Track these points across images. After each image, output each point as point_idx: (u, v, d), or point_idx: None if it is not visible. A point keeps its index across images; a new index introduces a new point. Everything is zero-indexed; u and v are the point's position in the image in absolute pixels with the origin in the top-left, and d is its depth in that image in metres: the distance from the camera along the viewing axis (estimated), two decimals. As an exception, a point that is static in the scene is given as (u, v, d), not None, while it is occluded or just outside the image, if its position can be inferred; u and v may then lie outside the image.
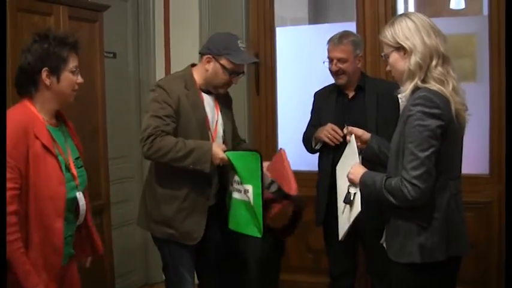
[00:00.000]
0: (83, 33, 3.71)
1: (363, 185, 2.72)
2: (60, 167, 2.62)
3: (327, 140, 3.70)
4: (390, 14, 4.49)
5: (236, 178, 3.36)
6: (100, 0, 4.14)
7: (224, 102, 3.63)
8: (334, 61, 3.75)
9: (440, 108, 2.52)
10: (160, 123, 3.26)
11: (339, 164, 3.18)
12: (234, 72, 3.40)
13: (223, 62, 3.35)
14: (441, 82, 2.59)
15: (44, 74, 2.58)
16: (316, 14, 7.41)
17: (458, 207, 2.71)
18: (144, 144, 3.25)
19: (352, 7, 4.68)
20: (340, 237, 2.97)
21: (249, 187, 3.27)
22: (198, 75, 3.46)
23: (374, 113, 3.73)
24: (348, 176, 2.82)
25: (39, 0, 3.50)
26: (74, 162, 2.75)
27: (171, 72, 5.00)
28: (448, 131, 2.55)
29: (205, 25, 4.89)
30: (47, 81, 2.59)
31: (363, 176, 2.72)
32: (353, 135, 3.09)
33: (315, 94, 4.08)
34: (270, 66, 4.82)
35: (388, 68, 2.79)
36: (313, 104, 4.07)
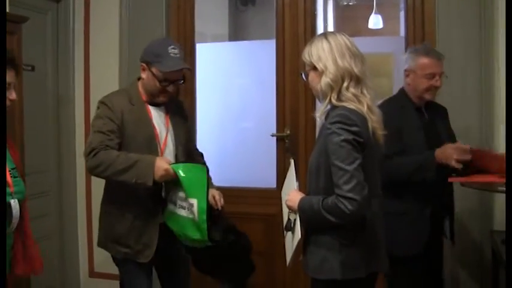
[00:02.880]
0: (0, 45, 3.63)
1: (301, 210, 2.68)
2: None
3: (455, 165, 3.33)
4: (310, 33, 4.55)
5: (180, 194, 3.28)
6: (19, 11, 4.07)
7: (177, 113, 3.54)
8: (438, 76, 3.52)
9: (358, 125, 2.56)
10: (104, 138, 3.22)
11: (282, 189, 3.15)
12: (166, 81, 3.31)
13: (154, 70, 3.30)
14: (357, 101, 2.63)
15: None
16: (237, 31, 7.48)
17: (379, 224, 2.77)
18: (87, 160, 3.23)
19: (272, 25, 4.72)
20: (287, 263, 2.92)
21: (194, 201, 3.19)
22: (141, 86, 3.41)
23: (445, 131, 3.66)
24: (286, 203, 2.80)
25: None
26: (10, 171, 2.73)
27: (90, 87, 4.97)
28: (366, 149, 2.59)
29: (125, 40, 4.84)
30: None
31: (300, 202, 2.69)
32: (292, 161, 3.07)
33: (382, 114, 3.46)
34: (190, 81, 4.80)
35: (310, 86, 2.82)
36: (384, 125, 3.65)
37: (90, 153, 3.21)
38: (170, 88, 3.36)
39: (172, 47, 3.33)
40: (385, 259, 2.81)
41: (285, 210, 2.86)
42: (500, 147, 3.90)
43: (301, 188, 2.87)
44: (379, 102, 3.36)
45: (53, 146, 4.94)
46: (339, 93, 2.65)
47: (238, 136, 4.91)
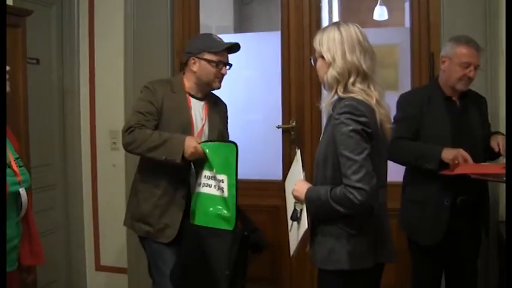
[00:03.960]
0: (5, 39, 3.63)
1: (309, 200, 2.67)
2: None
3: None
4: (315, 24, 4.54)
5: (206, 173, 3.42)
6: (23, 5, 4.06)
7: (215, 109, 3.73)
8: (472, 67, 3.51)
9: (367, 116, 2.56)
10: (141, 118, 3.44)
11: (286, 179, 3.17)
12: (221, 63, 3.58)
13: (207, 56, 3.55)
14: (365, 94, 2.62)
15: None
16: (242, 23, 7.46)
17: (385, 215, 2.77)
18: (123, 136, 3.42)
19: (277, 16, 4.70)
20: (291, 254, 2.92)
21: (224, 177, 3.36)
22: (187, 80, 3.63)
23: (479, 122, 3.65)
24: (292, 193, 2.79)
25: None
26: (15, 160, 2.78)
27: (95, 80, 4.97)
28: (374, 140, 2.59)
29: (130, 33, 4.83)
30: None
31: (307, 192, 2.68)
32: (299, 151, 3.08)
33: (404, 99, 3.69)
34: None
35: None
36: (402, 110, 3.63)
37: (126, 130, 3.42)
38: (224, 71, 3.59)
39: (213, 35, 3.65)
40: (391, 250, 2.81)
41: (291, 200, 2.85)
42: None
43: (306, 179, 2.87)
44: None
45: (58, 139, 4.94)
46: (345, 86, 2.64)
47: (244, 128, 4.89)
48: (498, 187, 4.05)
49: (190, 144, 3.35)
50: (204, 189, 3.44)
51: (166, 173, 3.50)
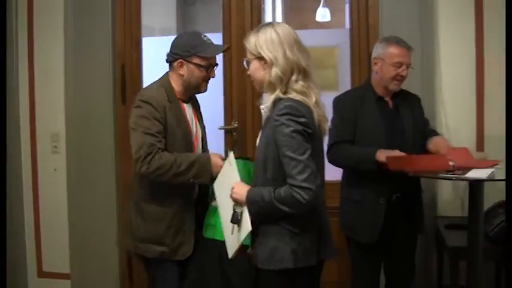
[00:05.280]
0: None
1: (251, 202, 2.66)
2: None
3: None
4: (257, 25, 4.40)
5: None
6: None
7: (198, 109, 3.60)
8: (405, 66, 3.57)
9: (306, 117, 2.59)
10: (154, 140, 3.19)
11: (216, 182, 3.15)
12: (210, 66, 3.36)
13: (196, 60, 3.30)
14: (304, 94, 2.65)
15: None
16: (185, 25, 7.45)
17: (325, 212, 2.82)
18: (142, 165, 3.17)
19: (219, 18, 4.70)
20: (230, 256, 2.90)
21: None
22: (175, 84, 3.39)
23: (412, 120, 3.69)
24: (232, 196, 2.77)
25: None
26: None
27: (35, 82, 4.89)
28: (313, 140, 2.62)
29: (70, 35, 4.75)
30: None
31: (248, 194, 2.68)
32: (231, 152, 3.04)
33: (339, 101, 3.74)
34: (136, 75, 4.78)
35: (248, 73, 2.82)
36: (338, 114, 3.68)
37: (145, 158, 3.16)
38: (212, 74, 3.40)
39: (203, 35, 3.39)
40: (332, 246, 2.84)
41: (228, 204, 2.83)
42: (441, 132, 4.07)
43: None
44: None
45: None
46: (287, 85, 2.66)
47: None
48: (435, 183, 4.20)
49: (217, 163, 3.21)
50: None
51: (179, 193, 3.34)
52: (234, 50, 4.56)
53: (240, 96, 4.61)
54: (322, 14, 8.42)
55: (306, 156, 2.53)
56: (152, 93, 3.34)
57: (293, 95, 2.64)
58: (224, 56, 4.61)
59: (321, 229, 2.75)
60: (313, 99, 2.66)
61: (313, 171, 2.53)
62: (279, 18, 8.25)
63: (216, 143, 4.63)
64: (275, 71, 2.65)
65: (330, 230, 2.85)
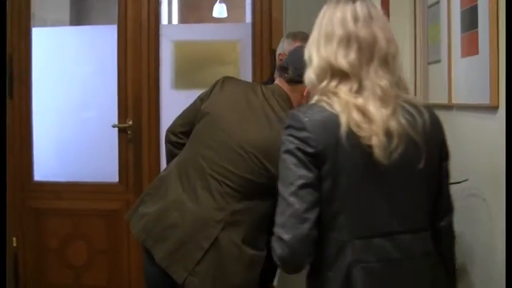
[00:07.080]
0: None
1: None
2: None
3: None
4: (153, 19, 4.44)
5: None
6: None
7: None
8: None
9: (308, 130, 1.78)
10: None
11: None
12: None
13: None
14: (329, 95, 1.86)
15: None
16: (78, 16, 7.28)
17: (368, 282, 1.79)
18: None
19: (115, 10, 4.52)
20: None
21: None
22: None
23: None
24: None
25: None
26: None
27: None
28: (323, 163, 1.78)
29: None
30: None
31: None
32: None
33: None
34: (25, 67, 4.52)
35: None
36: None
37: None
38: None
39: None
40: None
41: None
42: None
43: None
44: None
45: None
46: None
47: (78, 127, 4.67)
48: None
49: None
50: None
51: None
52: (130, 43, 4.42)
53: (136, 92, 4.43)
54: (219, 11, 8.56)
55: (292, 188, 1.74)
56: None
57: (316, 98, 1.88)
58: (119, 48, 4.43)
59: None
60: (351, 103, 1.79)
61: (296, 213, 1.73)
62: (175, 12, 8.25)
63: (109, 141, 4.47)
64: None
65: None
